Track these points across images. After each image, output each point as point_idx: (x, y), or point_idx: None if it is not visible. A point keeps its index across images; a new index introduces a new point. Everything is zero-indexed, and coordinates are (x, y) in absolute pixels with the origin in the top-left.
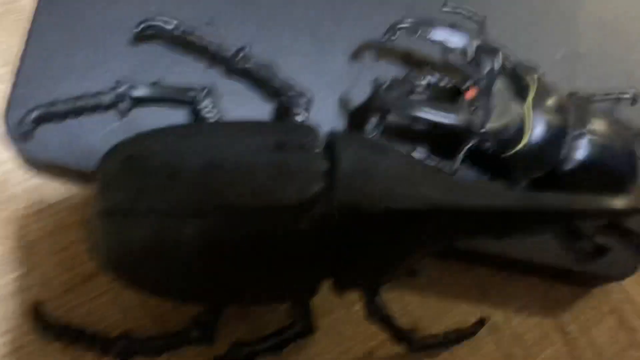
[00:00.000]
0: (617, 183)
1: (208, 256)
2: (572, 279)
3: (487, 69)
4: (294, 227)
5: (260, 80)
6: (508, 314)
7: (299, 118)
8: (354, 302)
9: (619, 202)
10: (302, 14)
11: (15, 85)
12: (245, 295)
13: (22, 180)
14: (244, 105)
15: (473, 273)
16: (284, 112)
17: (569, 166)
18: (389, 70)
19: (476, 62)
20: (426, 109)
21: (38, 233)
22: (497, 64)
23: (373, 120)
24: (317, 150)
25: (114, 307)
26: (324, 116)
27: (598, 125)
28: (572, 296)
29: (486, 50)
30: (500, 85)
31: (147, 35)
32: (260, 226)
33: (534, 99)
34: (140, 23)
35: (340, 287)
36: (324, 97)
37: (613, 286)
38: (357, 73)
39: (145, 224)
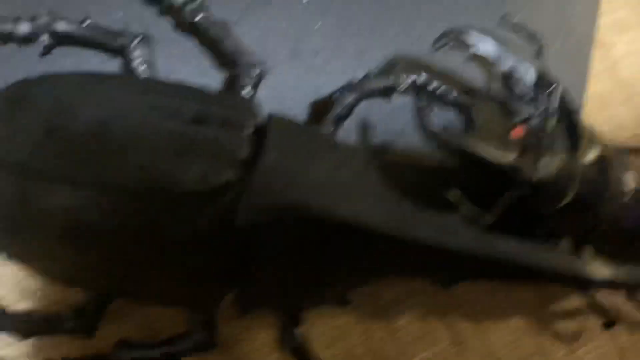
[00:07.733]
0: None
1: (85, 235)
2: None
3: (542, 106)
4: (192, 218)
5: (210, 40)
6: None
7: (244, 92)
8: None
9: (599, 271)
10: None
11: None
12: (130, 289)
13: None
14: (188, 67)
15: None
16: (230, 82)
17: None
18: None
19: (532, 95)
20: (480, 144)
21: None
22: (555, 101)
23: (336, 111)
24: (244, 133)
25: None
26: None
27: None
28: None
29: (544, 83)
30: (551, 129)
31: None
32: (151, 210)
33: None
34: None
35: (246, 303)
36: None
37: None
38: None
39: (10, 180)
